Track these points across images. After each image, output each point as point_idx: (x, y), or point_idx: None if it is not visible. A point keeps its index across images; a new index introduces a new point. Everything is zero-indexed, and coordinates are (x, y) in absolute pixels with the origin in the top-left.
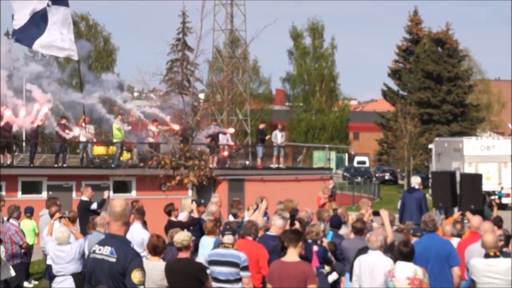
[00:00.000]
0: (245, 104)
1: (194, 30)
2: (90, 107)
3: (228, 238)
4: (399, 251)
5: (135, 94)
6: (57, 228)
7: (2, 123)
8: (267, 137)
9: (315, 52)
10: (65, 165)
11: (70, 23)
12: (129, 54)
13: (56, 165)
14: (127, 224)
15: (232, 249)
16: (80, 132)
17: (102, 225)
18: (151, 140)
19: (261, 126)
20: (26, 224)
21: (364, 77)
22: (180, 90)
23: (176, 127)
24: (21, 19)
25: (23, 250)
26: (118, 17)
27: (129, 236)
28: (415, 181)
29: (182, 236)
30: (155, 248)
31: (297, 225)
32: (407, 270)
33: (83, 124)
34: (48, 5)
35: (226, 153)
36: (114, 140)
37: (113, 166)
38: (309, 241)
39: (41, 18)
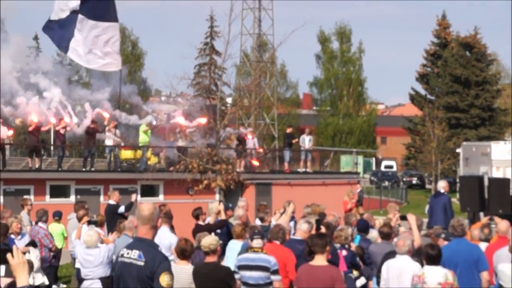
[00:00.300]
0: (273, 108)
1: (222, 34)
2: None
3: (257, 243)
4: (426, 254)
5: (163, 98)
6: (85, 232)
7: (31, 128)
8: (294, 141)
9: (342, 56)
10: (93, 169)
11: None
12: (157, 58)
13: (84, 169)
14: (155, 228)
15: (262, 253)
16: (108, 136)
17: (130, 228)
18: (179, 144)
19: (289, 130)
20: (55, 228)
21: (392, 81)
22: (207, 94)
23: (203, 120)
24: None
25: (52, 254)
26: (146, 21)
27: (156, 240)
28: (441, 185)
29: (209, 240)
30: (183, 252)
31: (322, 229)
32: (437, 274)
33: (112, 129)
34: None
35: (256, 163)
36: (140, 144)
37: (140, 170)
38: (338, 245)
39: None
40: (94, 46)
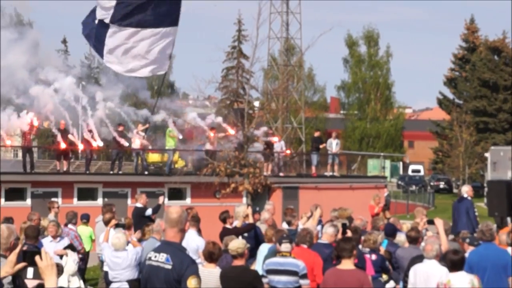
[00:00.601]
0: (300, 112)
1: (250, 38)
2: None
3: (286, 247)
4: (450, 260)
5: (190, 101)
6: (113, 235)
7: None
8: (322, 146)
9: (370, 60)
10: (120, 172)
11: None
12: (185, 61)
13: (112, 172)
14: (183, 231)
15: (290, 257)
16: (135, 139)
17: (158, 231)
18: (208, 147)
19: (316, 134)
20: (83, 230)
21: (420, 85)
22: (235, 98)
23: (232, 131)
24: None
25: (80, 256)
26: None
27: (184, 243)
28: (464, 189)
29: (237, 244)
30: (211, 255)
31: (349, 233)
32: (463, 281)
33: (140, 132)
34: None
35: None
36: (167, 148)
37: (166, 173)
38: (366, 249)
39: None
40: (144, 54)
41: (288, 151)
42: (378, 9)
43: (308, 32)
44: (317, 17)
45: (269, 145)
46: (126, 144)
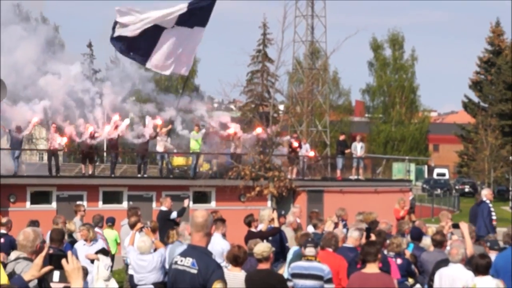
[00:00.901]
0: (325, 115)
1: (275, 41)
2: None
3: (309, 251)
4: (476, 264)
5: (215, 105)
6: (139, 238)
7: (85, 136)
8: (347, 151)
9: (395, 63)
10: (146, 175)
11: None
12: (210, 65)
13: (139, 175)
14: (208, 235)
15: (315, 261)
16: (159, 142)
17: (183, 235)
18: (232, 151)
19: (341, 137)
20: (108, 234)
21: (445, 89)
22: (260, 101)
23: (259, 130)
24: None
25: None
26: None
27: (209, 247)
28: (483, 193)
29: (262, 248)
30: (236, 259)
31: (372, 237)
32: (489, 285)
33: (164, 136)
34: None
35: (312, 153)
36: (191, 151)
37: (191, 176)
38: (391, 253)
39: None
40: (180, 53)
41: (313, 152)
42: (403, 12)
43: (333, 36)
44: (342, 21)
45: (293, 148)
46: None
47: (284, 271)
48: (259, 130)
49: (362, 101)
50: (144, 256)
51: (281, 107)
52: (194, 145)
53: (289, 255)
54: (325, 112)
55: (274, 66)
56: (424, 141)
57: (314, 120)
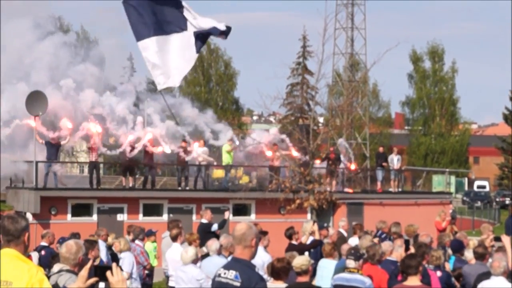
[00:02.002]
0: (364, 127)
1: (316, 53)
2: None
3: (350, 263)
4: None
5: (254, 117)
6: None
7: (123, 148)
8: (384, 164)
9: (435, 75)
10: (187, 188)
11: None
12: (249, 78)
13: (179, 188)
14: (250, 247)
15: (357, 274)
16: (199, 156)
17: (225, 248)
18: (270, 163)
19: (381, 150)
20: (148, 246)
21: (485, 101)
22: (300, 114)
23: (295, 153)
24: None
25: (146, 272)
26: (239, 41)
27: None
28: None
29: (301, 261)
30: (278, 272)
31: (412, 249)
32: None
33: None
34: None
35: (350, 190)
36: (224, 163)
37: (224, 188)
38: (431, 266)
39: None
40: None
41: (354, 166)
42: (442, 24)
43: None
44: (381, 33)
45: (333, 161)
46: (189, 156)
47: (315, 283)
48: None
49: (402, 114)
50: (186, 267)
51: (321, 119)
52: (226, 158)
53: (320, 267)
54: (365, 125)
55: (314, 79)
56: (464, 154)
57: (353, 133)
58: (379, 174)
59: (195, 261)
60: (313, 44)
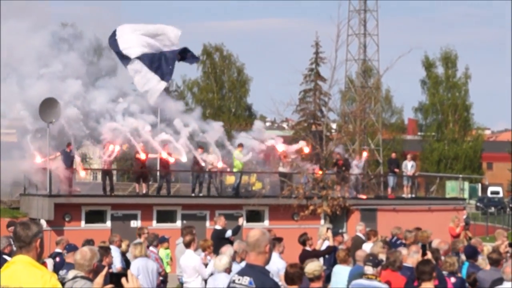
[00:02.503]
0: (377, 133)
1: (328, 60)
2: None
3: (368, 269)
4: None
5: (267, 124)
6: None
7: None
8: (396, 170)
9: (448, 81)
10: (201, 194)
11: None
12: (262, 84)
13: (192, 194)
14: (263, 254)
15: (375, 280)
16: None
17: (231, 254)
18: (281, 169)
19: (393, 156)
20: (162, 253)
21: (499, 106)
22: (313, 120)
23: (306, 149)
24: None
25: (160, 278)
26: (251, 48)
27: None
28: None
29: (313, 266)
30: (292, 277)
31: (428, 255)
32: None
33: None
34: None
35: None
36: (234, 170)
37: (232, 194)
38: (445, 272)
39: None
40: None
41: (366, 153)
42: (455, 30)
43: (385, 54)
44: (394, 39)
45: (346, 167)
46: (206, 162)
47: None
48: (306, 148)
49: (415, 119)
50: (217, 275)
51: (333, 125)
52: (237, 164)
53: (335, 274)
54: (378, 131)
55: (326, 85)
56: (477, 159)
57: (366, 139)
58: (391, 180)
59: (227, 270)
60: (326, 51)
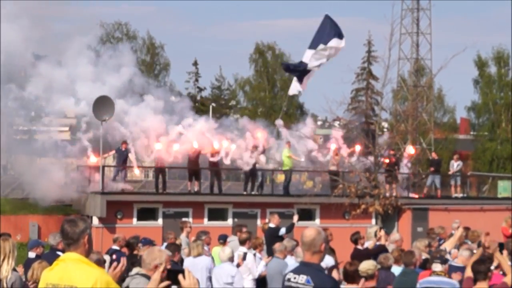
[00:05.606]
0: (429, 133)
1: (381, 58)
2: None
3: (436, 266)
4: None
5: (319, 122)
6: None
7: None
8: (431, 169)
9: (500, 80)
10: (253, 192)
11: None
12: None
13: (244, 193)
14: (319, 253)
15: (445, 277)
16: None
17: (281, 251)
18: (332, 168)
19: (434, 156)
20: (216, 251)
21: None
22: (365, 119)
23: (357, 147)
24: None
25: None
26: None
27: None
28: None
29: (367, 265)
30: (352, 275)
31: (505, 253)
32: None
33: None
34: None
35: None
36: (284, 168)
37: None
38: (500, 272)
39: None
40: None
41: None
42: (508, 29)
43: (438, 53)
44: (446, 38)
45: (398, 165)
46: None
47: None
48: (357, 147)
49: (468, 119)
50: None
51: (385, 124)
52: (287, 162)
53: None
54: (430, 130)
55: (378, 84)
56: None
57: (418, 138)
58: (429, 179)
59: (231, 259)
60: (378, 49)
